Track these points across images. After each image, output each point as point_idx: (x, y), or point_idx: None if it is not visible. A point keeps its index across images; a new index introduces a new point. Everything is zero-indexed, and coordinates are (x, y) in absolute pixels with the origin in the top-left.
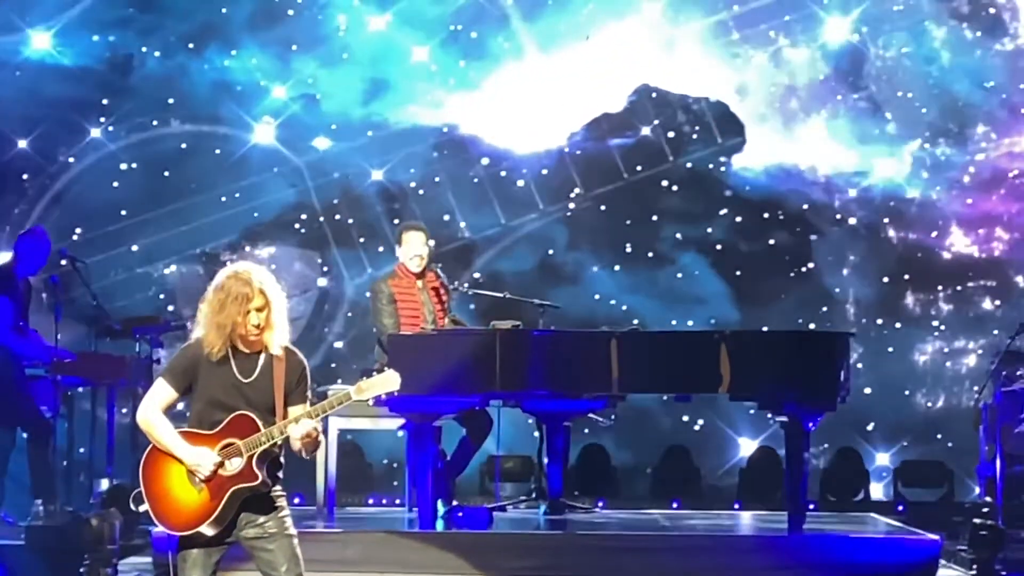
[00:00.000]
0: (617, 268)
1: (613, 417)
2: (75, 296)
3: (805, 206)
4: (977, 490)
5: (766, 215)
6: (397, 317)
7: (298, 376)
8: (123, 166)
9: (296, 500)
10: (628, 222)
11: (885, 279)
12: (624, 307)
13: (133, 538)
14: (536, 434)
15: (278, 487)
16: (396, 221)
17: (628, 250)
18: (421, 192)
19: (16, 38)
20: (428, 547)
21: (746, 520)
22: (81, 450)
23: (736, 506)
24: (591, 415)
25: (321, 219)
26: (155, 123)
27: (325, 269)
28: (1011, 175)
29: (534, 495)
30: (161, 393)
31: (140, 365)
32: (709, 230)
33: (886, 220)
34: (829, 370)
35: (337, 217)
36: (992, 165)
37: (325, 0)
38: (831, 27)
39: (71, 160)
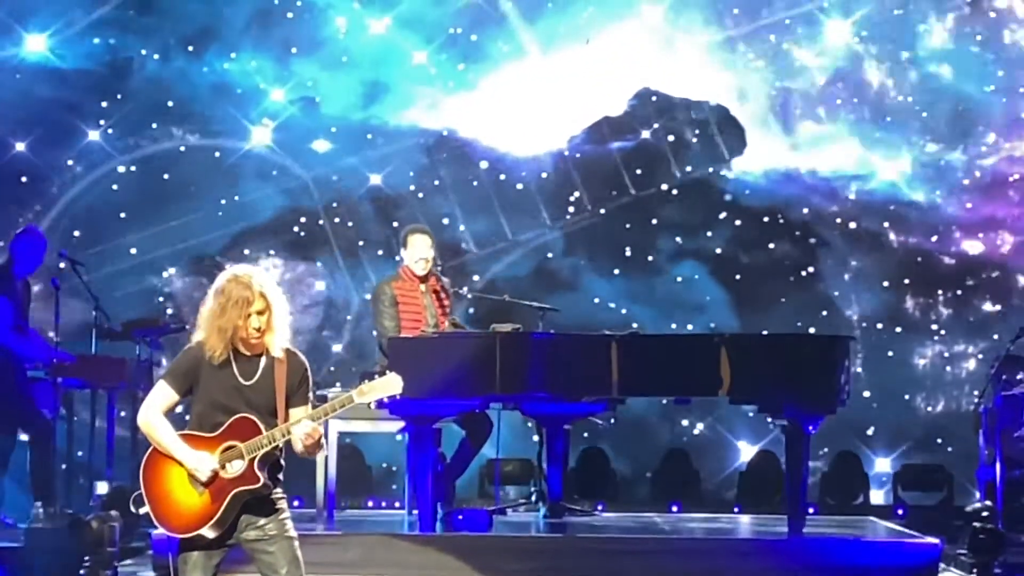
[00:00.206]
0: (616, 272)
1: (612, 420)
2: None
3: (805, 210)
4: (977, 494)
5: (766, 219)
6: (398, 320)
7: (299, 378)
8: (121, 169)
9: (296, 503)
10: (628, 226)
11: (885, 283)
12: (624, 311)
13: (133, 540)
14: (535, 438)
15: (279, 489)
16: (395, 224)
17: (628, 254)
18: (420, 195)
19: (14, 41)
20: (428, 550)
21: (746, 524)
22: (79, 453)
23: (736, 510)
24: (590, 418)
25: (320, 222)
26: (154, 125)
27: (324, 272)
28: (1012, 179)
29: (534, 498)
30: (162, 395)
31: (140, 368)
32: (709, 234)
33: (886, 224)
34: (829, 373)
35: (336, 220)
36: (993, 169)
37: (325, 3)
38: (832, 30)
39: (70, 163)
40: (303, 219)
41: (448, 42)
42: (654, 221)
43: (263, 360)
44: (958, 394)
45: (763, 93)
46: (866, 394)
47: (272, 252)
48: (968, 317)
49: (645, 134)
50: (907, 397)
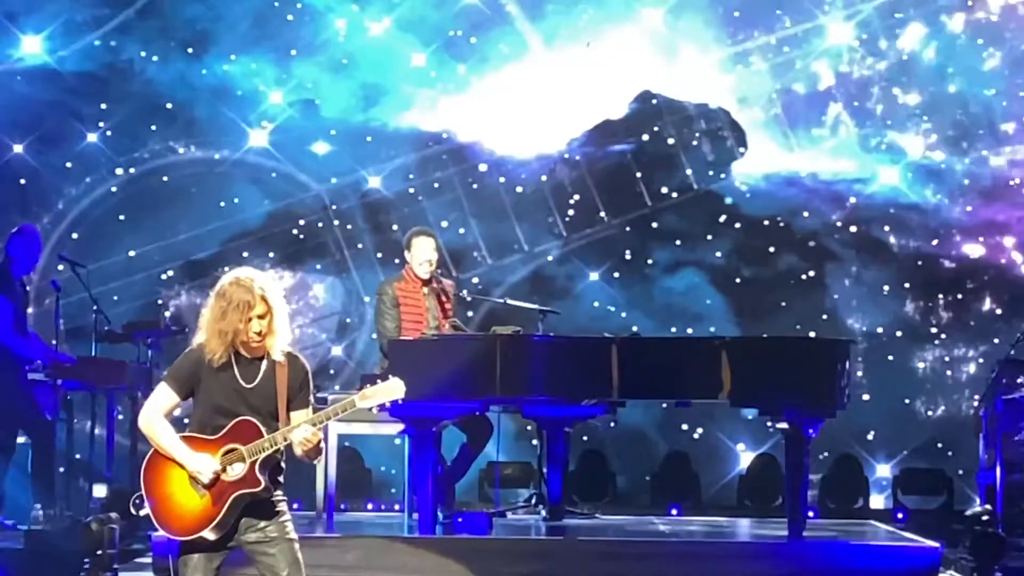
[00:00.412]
0: (616, 275)
1: (612, 424)
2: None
3: (806, 214)
4: (977, 499)
5: (766, 223)
6: (399, 321)
7: (301, 381)
8: (119, 171)
9: (295, 505)
10: (627, 229)
11: (886, 287)
12: (623, 314)
13: (133, 542)
14: (534, 442)
15: (279, 492)
16: (395, 227)
17: (627, 257)
18: (420, 198)
19: (12, 42)
20: (428, 553)
21: (746, 527)
22: (77, 456)
23: (736, 513)
24: (591, 421)
25: (320, 224)
26: (153, 128)
27: (323, 275)
28: (1012, 182)
29: (534, 501)
30: (163, 397)
31: (140, 370)
32: (709, 238)
33: (887, 228)
34: (830, 376)
35: (336, 223)
36: (993, 172)
37: (325, 6)
38: (832, 33)
39: (68, 165)
40: (302, 221)
41: (448, 44)
42: (654, 224)
43: (264, 363)
44: (958, 398)
45: (764, 96)
46: (865, 397)
47: (271, 255)
48: (969, 321)
49: (645, 137)
50: (907, 401)
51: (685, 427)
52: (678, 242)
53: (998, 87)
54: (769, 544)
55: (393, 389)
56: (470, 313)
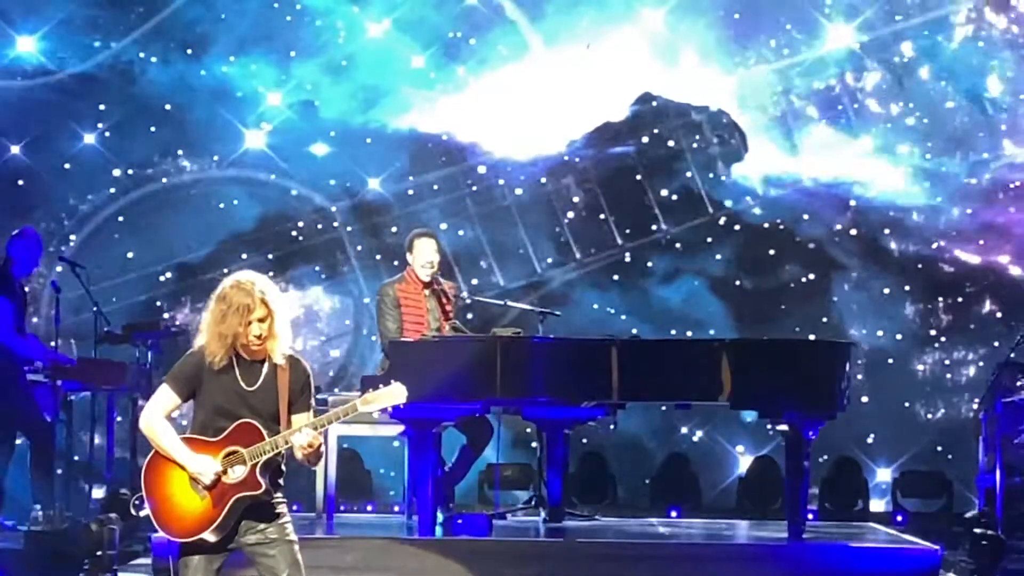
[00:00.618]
0: (616, 278)
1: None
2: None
3: (806, 216)
4: (976, 501)
5: (766, 225)
6: (400, 322)
7: (302, 384)
8: (116, 172)
9: (295, 507)
10: (627, 231)
11: (886, 290)
12: (623, 317)
13: (132, 543)
14: (534, 445)
15: (279, 494)
16: (394, 229)
17: (627, 259)
18: (419, 200)
19: (9, 43)
20: (428, 554)
21: (745, 529)
22: (75, 458)
23: (735, 515)
24: (591, 422)
25: (319, 226)
26: (152, 129)
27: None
28: (1012, 186)
29: (534, 503)
30: (164, 399)
31: (140, 371)
32: (708, 240)
33: (887, 231)
34: (830, 378)
35: (335, 224)
36: (993, 176)
37: (324, 7)
38: (833, 37)
39: (67, 167)
40: (301, 223)
41: (447, 46)
42: (653, 227)
43: (265, 366)
44: (958, 401)
45: (765, 99)
46: (863, 398)
47: (270, 257)
48: (968, 324)
49: (645, 139)
50: (907, 404)
51: (684, 430)
52: (677, 245)
53: (998, 91)
54: (769, 546)
55: (395, 394)
56: (469, 315)
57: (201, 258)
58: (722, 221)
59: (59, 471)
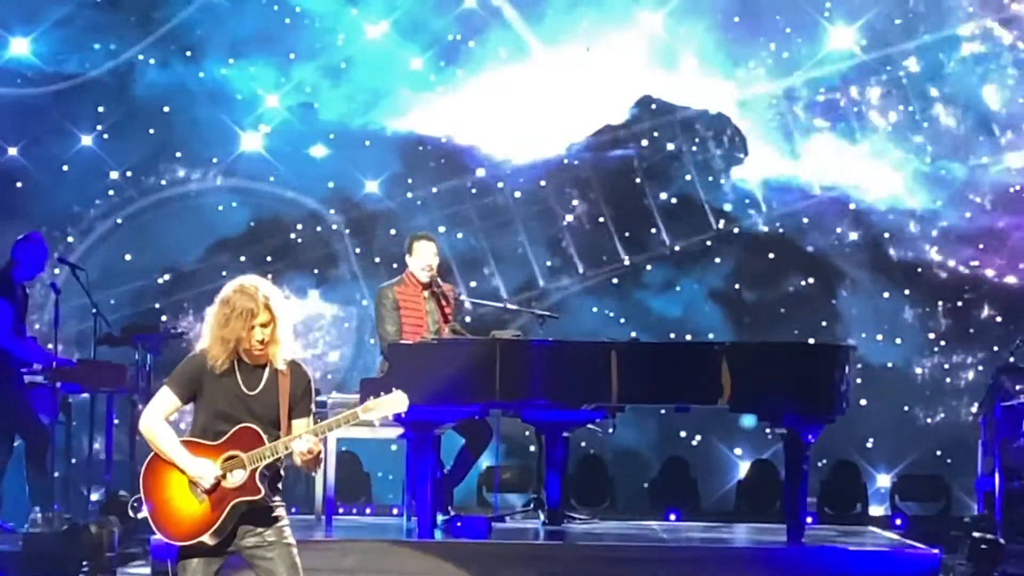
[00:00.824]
0: (615, 281)
1: (612, 429)
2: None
3: (805, 220)
4: (975, 505)
5: (765, 228)
6: (399, 324)
7: (303, 390)
8: (114, 175)
9: (292, 510)
10: (627, 234)
11: (885, 294)
12: (622, 320)
13: (131, 546)
14: (532, 448)
15: (277, 497)
16: (392, 232)
17: (626, 262)
18: (418, 202)
19: (4, 44)
20: (426, 556)
21: (744, 532)
22: (72, 461)
23: (734, 518)
24: (590, 425)
25: (318, 228)
26: (151, 131)
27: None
28: (1012, 190)
29: (533, 505)
30: (165, 401)
31: (139, 373)
32: (708, 243)
33: (886, 235)
34: (829, 382)
35: (334, 227)
36: (992, 180)
37: (324, 10)
38: (833, 40)
39: (65, 168)
40: (299, 226)
41: (446, 49)
42: (653, 231)
43: (267, 370)
44: (957, 404)
45: (764, 102)
46: (863, 402)
47: (268, 259)
48: (968, 328)
49: (644, 142)
50: (906, 408)
51: (683, 434)
52: (677, 248)
53: (998, 95)
54: (768, 549)
55: (396, 402)
56: (468, 319)
57: (199, 261)
58: (721, 225)
59: (57, 473)
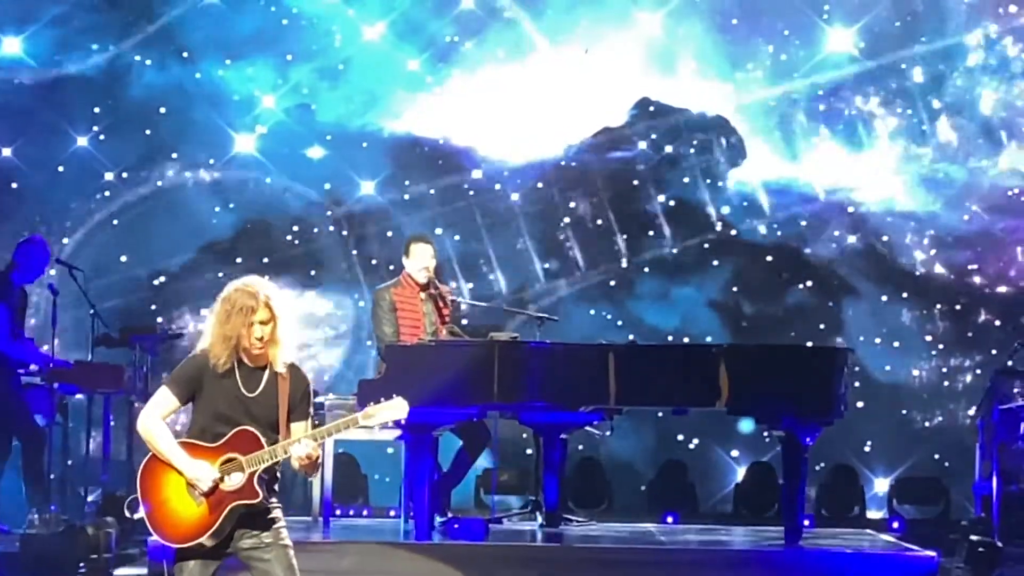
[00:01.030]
0: (612, 284)
1: (609, 432)
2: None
3: (803, 223)
4: (972, 509)
5: (763, 230)
6: (397, 326)
7: (302, 393)
8: (109, 176)
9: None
10: (625, 237)
11: (883, 298)
12: (619, 323)
13: (128, 547)
14: (529, 451)
15: (274, 499)
16: (389, 234)
17: (623, 265)
18: (415, 205)
19: (1, 44)
20: (424, 558)
21: (742, 534)
22: (69, 462)
23: (732, 521)
24: (588, 427)
25: (315, 229)
26: (147, 132)
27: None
28: (1010, 192)
29: (530, 507)
30: (163, 401)
31: (136, 374)
32: (706, 246)
33: (885, 239)
34: (827, 385)
35: (331, 228)
36: (991, 182)
37: (321, 11)
38: (832, 42)
39: (60, 169)
40: (296, 228)
41: (444, 50)
42: (651, 233)
43: (266, 373)
44: (955, 408)
45: (762, 104)
46: (859, 403)
47: (265, 260)
48: (966, 331)
49: (642, 144)
50: (904, 411)
51: (681, 437)
52: (674, 251)
53: (998, 97)
54: (766, 552)
55: (396, 409)
56: (465, 321)
57: (195, 262)
58: (718, 227)
59: (54, 475)
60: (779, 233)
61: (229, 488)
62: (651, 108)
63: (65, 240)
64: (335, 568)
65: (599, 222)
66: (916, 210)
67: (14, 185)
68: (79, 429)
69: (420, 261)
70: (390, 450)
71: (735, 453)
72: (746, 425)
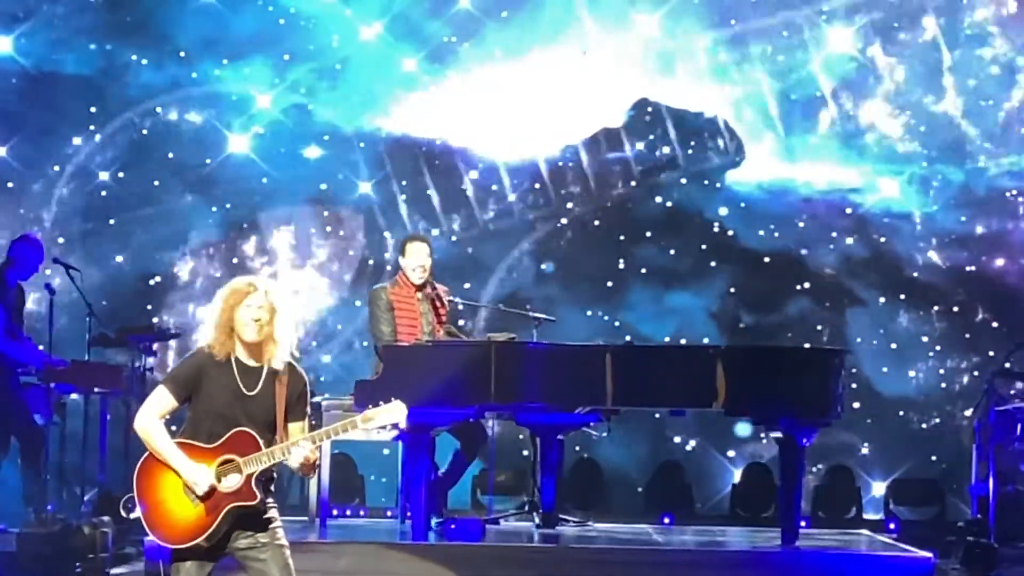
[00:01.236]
0: (610, 285)
1: (605, 434)
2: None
3: (800, 223)
4: (969, 510)
5: (761, 232)
6: (394, 325)
7: (299, 393)
8: (103, 176)
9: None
10: (622, 237)
11: (881, 299)
12: (616, 323)
13: (125, 546)
14: (525, 453)
15: (270, 499)
16: (386, 234)
17: (621, 266)
18: (412, 204)
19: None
20: (420, 559)
21: (739, 535)
22: (65, 462)
23: (728, 522)
24: (585, 428)
25: (311, 230)
26: (144, 132)
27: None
28: (1008, 194)
29: (527, 508)
30: (161, 401)
31: (134, 374)
32: (703, 247)
33: (883, 239)
34: (824, 386)
35: (328, 228)
36: (989, 183)
37: (318, 11)
38: (832, 41)
39: (56, 168)
40: (292, 227)
41: (441, 50)
42: (648, 234)
43: (265, 371)
44: (952, 409)
45: (761, 104)
46: (856, 405)
47: (260, 261)
48: (963, 332)
49: (641, 146)
50: (901, 413)
51: (678, 439)
52: (672, 251)
53: (996, 98)
54: (762, 553)
55: (395, 412)
56: (461, 321)
57: (191, 262)
58: (715, 227)
59: (49, 475)
60: (776, 234)
61: (227, 489)
62: (649, 109)
63: (60, 240)
64: (332, 568)
65: (596, 223)
66: (914, 210)
67: (9, 184)
68: (76, 429)
69: (415, 260)
70: (386, 451)
71: (731, 453)
72: (743, 429)
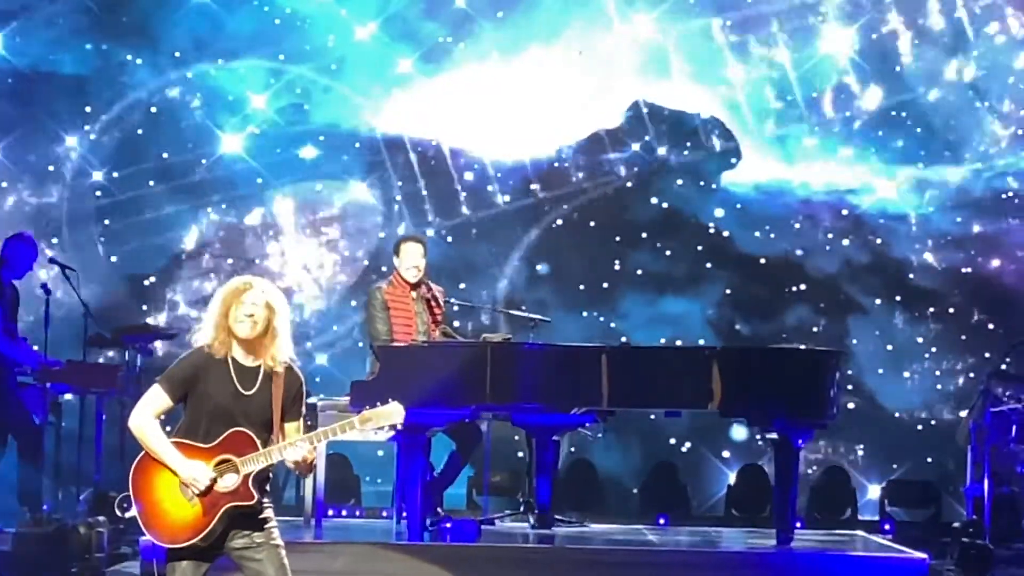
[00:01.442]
0: (605, 286)
1: (600, 435)
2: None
3: (796, 224)
4: (964, 511)
5: (757, 233)
6: (390, 324)
7: (295, 393)
8: (97, 175)
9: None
10: (617, 239)
11: (877, 300)
12: (612, 324)
13: (121, 546)
14: (520, 453)
15: (266, 499)
16: (382, 235)
17: (616, 267)
18: (408, 204)
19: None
20: (416, 559)
21: (734, 536)
22: (60, 462)
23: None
24: (580, 429)
25: (308, 231)
26: (140, 132)
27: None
28: (1005, 195)
29: (523, 508)
30: (156, 400)
31: (129, 374)
32: (699, 248)
33: (879, 240)
34: (820, 387)
35: (324, 229)
36: (986, 185)
37: (313, 11)
38: (828, 42)
39: (50, 168)
40: (289, 227)
41: (437, 50)
42: (644, 235)
43: (262, 371)
44: (947, 409)
45: (758, 105)
46: (850, 405)
47: (257, 261)
48: (959, 333)
49: (636, 147)
50: (896, 414)
51: (673, 441)
52: (668, 253)
53: (992, 98)
54: (757, 554)
55: (392, 414)
56: (457, 323)
57: (186, 262)
58: (711, 228)
59: (46, 476)
60: (772, 235)
61: (223, 489)
62: (645, 110)
63: (55, 239)
64: (327, 568)
65: (591, 224)
66: (910, 211)
67: (3, 184)
68: (72, 429)
69: (409, 260)
70: (380, 452)
71: (726, 454)
72: (738, 432)
